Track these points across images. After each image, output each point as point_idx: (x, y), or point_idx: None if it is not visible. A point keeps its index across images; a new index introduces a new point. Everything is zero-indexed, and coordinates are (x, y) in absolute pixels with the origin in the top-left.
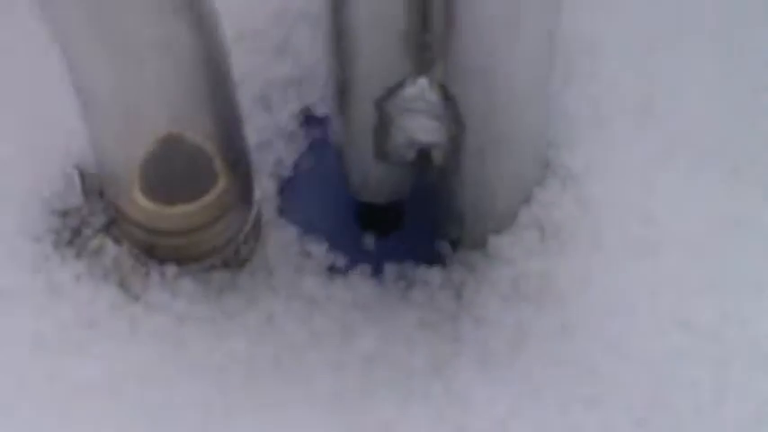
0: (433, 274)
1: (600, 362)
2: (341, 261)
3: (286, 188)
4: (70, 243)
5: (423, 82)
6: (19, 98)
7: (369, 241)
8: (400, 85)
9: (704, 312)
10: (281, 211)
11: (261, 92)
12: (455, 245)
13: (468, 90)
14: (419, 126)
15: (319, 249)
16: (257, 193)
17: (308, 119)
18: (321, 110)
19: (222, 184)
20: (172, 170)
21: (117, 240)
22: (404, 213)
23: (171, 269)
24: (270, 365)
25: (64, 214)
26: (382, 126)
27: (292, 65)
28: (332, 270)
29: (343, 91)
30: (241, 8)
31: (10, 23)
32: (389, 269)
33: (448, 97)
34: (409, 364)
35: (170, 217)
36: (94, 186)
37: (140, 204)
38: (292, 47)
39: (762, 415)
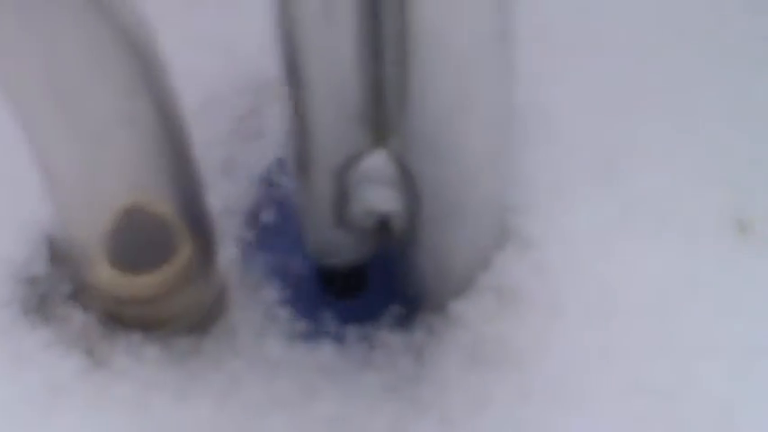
0: (394, 338)
1: (558, 426)
2: (303, 325)
3: (249, 253)
4: (37, 310)
5: (380, 154)
6: None
7: (332, 304)
8: (357, 157)
9: (661, 375)
10: (245, 276)
11: (224, 158)
12: (415, 308)
13: (423, 163)
14: (377, 196)
15: (282, 313)
16: (221, 259)
17: (272, 183)
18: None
19: (185, 252)
20: (136, 240)
21: (84, 307)
22: (365, 277)
23: (136, 336)
24: (234, 429)
25: (32, 281)
26: (341, 195)
27: (256, 131)
28: (294, 333)
29: (302, 161)
30: (207, 77)
31: None
32: (351, 332)
33: (404, 169)
34: (371, 427)
35: (135, 286)
36: (62, 253)
37: (105, 274)
38: (257, 115)
39: None
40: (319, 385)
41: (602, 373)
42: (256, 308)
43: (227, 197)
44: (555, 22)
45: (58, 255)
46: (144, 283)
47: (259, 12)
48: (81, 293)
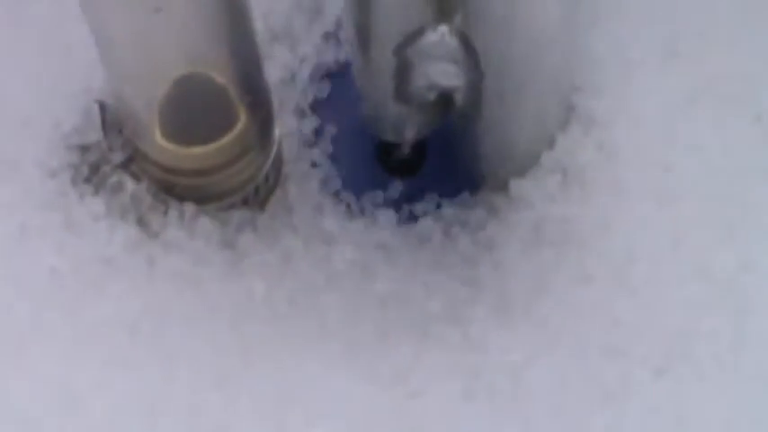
0: (454, 216)
1: (619, 310)
2: (361, 201)
3: (308, 125)
4: (88, 179)
5: (443, 29)
6: (40, 31)
7: (390, 181)
8: (420, 32)
9: (724, 261)
10: (301, 150)
11: (283, 26)
12: (476, 186)
13: (489, 38)
14: (439, 71)
15: (339, 189)
16: (277, 132)
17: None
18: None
19: (242, 123)
20: (191, 110)
21: (136, 177)
22: (424, 153)
23: (190, 208)
24: (286, 307)
25: (83, 150)
26: (402, 70)
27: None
28: (352, 210)
29: (362, 36)
30: None
31: None
32: (409, 210)
33: (468, 44)
34: (426, 308)
35: (189, 157)
36: (115, 122)
37: (159, 144)
38: None
39: None
40: (375, 264)
41: (664, 258)
42: (313, 183)
43: (285, 68)
44: None
45: (111, 123)
46: (198, 154)
47: None
48: (133, 163)
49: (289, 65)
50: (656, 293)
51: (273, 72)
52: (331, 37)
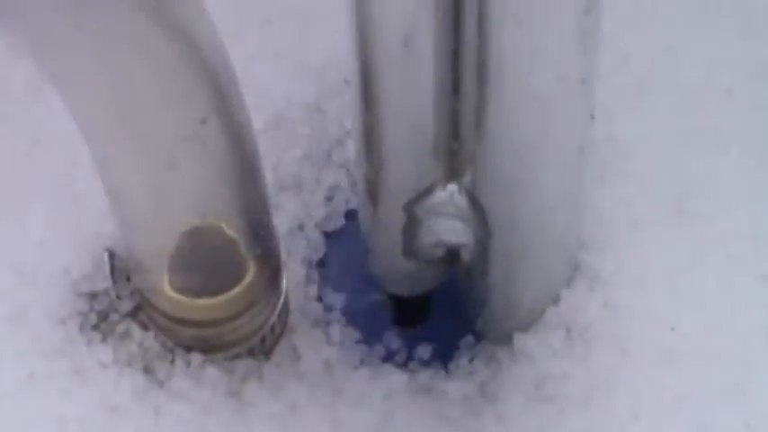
0: (458, 368)
1: None
2: (366, 352)
3: (315, 277)
4: (96, 327)
5: (452, 188)
6: (52, 178)
7: (395, 333)
8: (429, 190)
9: (728, 422)
10: (308, 300)
11: (293, 178)
12: (480, 339)
13: (497, 199)
14: (447, 228)
15: (346, 339)
16: (285, 282)
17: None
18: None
19: (250, 275)
20: (200, 262)
21: (143, 326)
22: (430, 305)
23: (196, 357)
24: None
25: (91, 297)
26: (411, 227)
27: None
28: (358, 361)
29: (372, 191)
30: (277, 96)
31: (46, 110)
32: (415, 361)
33: (476, 204)
34: None
35: (197, 308)
36: (123, 270)
37: (167, 295)
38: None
39: None
40: (381, 414)
41: (668, 418)
42: (320, 333)
43: (294, 218)
44: (633, 55)
45: (120, 271)
46: (206, 305)
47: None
48: (141, 312)
49: (298, 216)
50: None
51: (282, 222)
52: (339, 190)
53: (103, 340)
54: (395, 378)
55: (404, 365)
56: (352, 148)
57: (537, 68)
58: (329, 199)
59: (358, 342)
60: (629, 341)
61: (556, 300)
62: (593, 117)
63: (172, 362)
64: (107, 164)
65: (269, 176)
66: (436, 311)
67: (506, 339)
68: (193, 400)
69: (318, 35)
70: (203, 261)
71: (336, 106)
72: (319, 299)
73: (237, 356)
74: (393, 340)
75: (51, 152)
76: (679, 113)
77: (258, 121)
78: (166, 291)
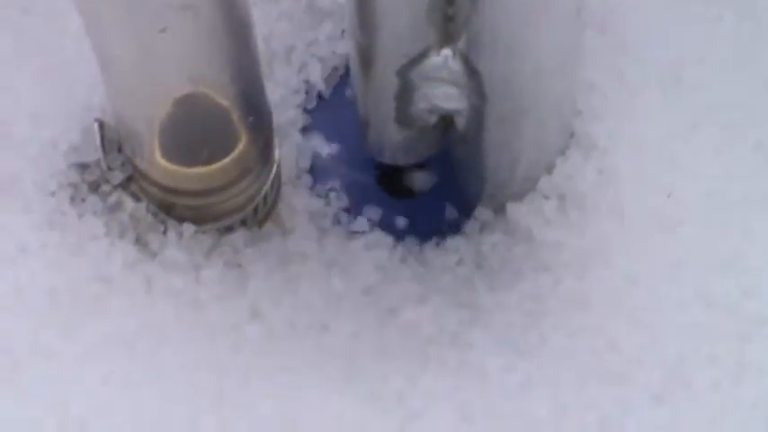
0: (451, 239)
1: (618, 335)
2: (360, 222)
3: (307, 148)
4: (87, 198)
5: (446, 53)
6: (40, 50)
7: (389, 202)
8: (423, 55)
9: (725, 288)
10: (301, 171)
11: (285, 47)
12: (474, 209)
13: (492, 63)
14: (441, 94)
15: (339, 210)
16: (277, 152)
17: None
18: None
19: (242, 144)
20: (191, 131)
21: (135, 197)
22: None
23: (189, 228)
24: (286, 326)
25: (82, 168)
26: (405, 93)
27: (318, 22)
28: (351, 231)
29: (365, 58)
30: None
31: None
32: (408, 231)
33: (471, 68)
34: (425, 330)
35: (189, 177)
36: (114, 141)
37: (159, 165)
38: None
39: None
40: (374, 285)
41: (664, 283)
42: (312, 204)
43: (285, 87)
44: None
45: (110, 142)
46: (198, 175)
47: None
48: (132, 182)
49: (289, 84)
50: (656, 319)
51: (274, 91)
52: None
53: (94, 212)
54: (388, 249)
55: (397, 236)
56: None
57: None
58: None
59: (351, 212)
60: (625, 208)
61: (551, 168)
62: None
63: (164, 233)
64: (99, 28)
65: (261, 47)
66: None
67: (500, 209)
68: (186, 271)
69: None
70: (195, 129)
71: None
72: (311, 169)
73: (230, 227)
74: (386, 210)
75: (39, 22)
76: None
77: None
78: (158, 160)
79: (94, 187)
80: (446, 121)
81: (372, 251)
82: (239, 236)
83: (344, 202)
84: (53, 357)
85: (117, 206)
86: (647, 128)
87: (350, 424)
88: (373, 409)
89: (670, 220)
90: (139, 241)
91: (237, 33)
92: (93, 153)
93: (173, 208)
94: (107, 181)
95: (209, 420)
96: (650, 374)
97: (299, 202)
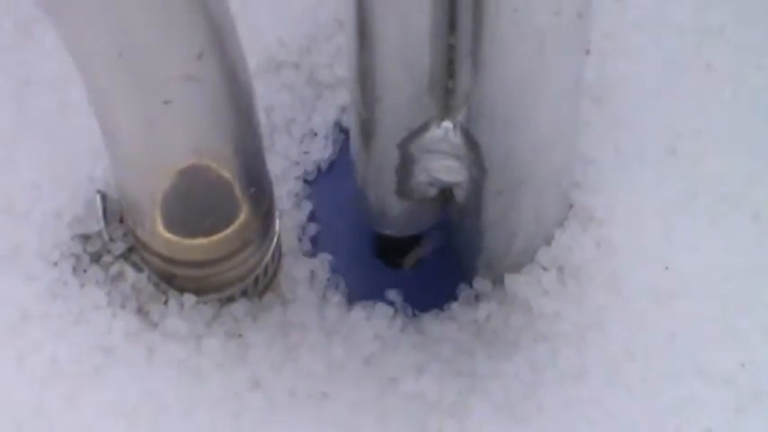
0: (450, 309)
1: (615, 406)
2: (359, 292)
3: (308, 219)
4: (89, 268)
5: (447, 125)
6: (44, 122)
7: (388, 273)
8: (424, 128)
9: (721, 360)
10: (302, 241)
11: (286, 120)
12: (473, 280)
13: (492, 136)
14: (442, 166)
15: (338, 280)
16: (277, 223)
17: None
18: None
19: (244, 216)
20: (193, 202)
21: (137, 267)
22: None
23: (189, 298)
24: (287, 395)
25: (84, 239)
26: (405, 165)
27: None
28: (351, 301)
29: (366, 130)
30: (270, 38)
31: (37, 51)
32: (407, 301)
33: (471, 141)
34: (425, 398)
35: (190, 248)
36: (116, 212)
37: (160, 235)
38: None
39: None
40: (374, 354)
41: (661, 356)
42: (313, 274)
43: (286, 158)
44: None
45: (113, 213)
46: (199, 245)
47: None
48: (134, 253)
49: (290, 156)
50: (653, 391)
51: (275, 163)
52: (331, 132)
53: (97, 282)
54: (387, 319)
55: (395, 306)
56: (346, 90)
57: (534, 4)
58: (321, 141)
59: (349, 282)
60: (622, 280)
61: (549, 240)
62: (588, 52)
63: (165, 303)
64: (103, 99)
65: (262, 119)
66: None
67: (499, 280)
68: (187, 341)
69: None
70: (197, 200)
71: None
72: (311, 240)
73: (231, 298)
74: (384, 281)
75: (42, 94)
76: (670, 52)
77: (251, 64)
78: (159, 231)
79: (96, 258)
80: (446, 193)
81: (372, 320)
82: (240, 306)
83: (344, 272)
84: (55, 427)
85: (119, 276)
86: (644, 199)
87: None
88: None
89: (667, 293)
90: (141, 311)
91: (240, 105)
92: (96, 224)
93: (174, 278)
94: (109, 251)
95: None
96: None
97: (298, 272)
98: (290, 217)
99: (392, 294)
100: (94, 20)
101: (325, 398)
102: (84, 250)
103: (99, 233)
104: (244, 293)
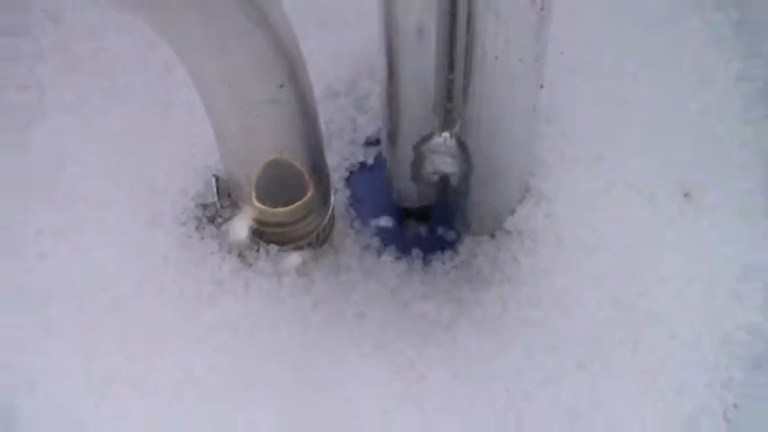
0: (447, 256)
1: (557, 324)
2: (387, 245)
3: (353, 196)
4: (206, 227)
5: (446, 135)
6: (177, 129)
7: (407, 232)
8: (430, 136)
9: (628, 294)
10: (348, 210)
11: (338, 129)
12: (462, 236)
13: (477, 142)
14: (442, 161)
15: (373, 237)
16: (333, 198)
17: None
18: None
19: (310, 193)
20: (276, 183)
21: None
22: (430, 215)
23: (273, 248)
24: (338, 315)
25: (203, 207)
26: (417, 161)
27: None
28: (381, 251)
29: (391, 137)
30: (330, 74)
31: (174, 82)
32: (418, 251)
33: (462, 145)
34: (428, 318)
35: (274, 215)
36: (225, 189)
37: (255, 206)
38: (361, 102)
39: (659, 365)
40: (396, 287)
41: (588, 289)
42: (354, 233)
43: (339, 155)
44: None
45: (223, 190)
46: (280, 213)
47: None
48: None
49: (342, 154)
50: (583, 313)
51: (331, 158)
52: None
53: (211, 236)
54: (405, 262)
55: (412, 254)
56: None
57: (508, 52)
58: (364, 143)
59: (381, 240)
60: (563, 239)
61: (512, 212)
62: (542, 86)
63: (257, 251)
64: (216, 113)
65: (323, 129)
66: (434, 219)
67: (480, 239)
68: (272, 277)
69: (353, 34)
70: (278, 182)
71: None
72: (355, 211)
73: (301, 247)
74: (405, 237)
75: (178, 110)
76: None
77: (316, 91)
78: (254, 202)
79: (212, 220)
80: (444, 179)
81: (395, 264)
82: (307, 253)
83: (377, 232)
84: (181, 339)
85: (226, 233)
86: (578, 186)
87: (364, 381)
88: (390, 372)
89: (593, 247)
90: (241, 256)
91: (308, 119)
92: (211, 197)
93: (263, 234)
94: (220, 216)
95: (288, 378)
96: (576, 349)
97: (346, 232)
98: (341, 194)
99: (408, 246)
100: (214, 65)
101: (362, 317)
102: (204, 215)
103: (213, 203)
104: (309, 245)
